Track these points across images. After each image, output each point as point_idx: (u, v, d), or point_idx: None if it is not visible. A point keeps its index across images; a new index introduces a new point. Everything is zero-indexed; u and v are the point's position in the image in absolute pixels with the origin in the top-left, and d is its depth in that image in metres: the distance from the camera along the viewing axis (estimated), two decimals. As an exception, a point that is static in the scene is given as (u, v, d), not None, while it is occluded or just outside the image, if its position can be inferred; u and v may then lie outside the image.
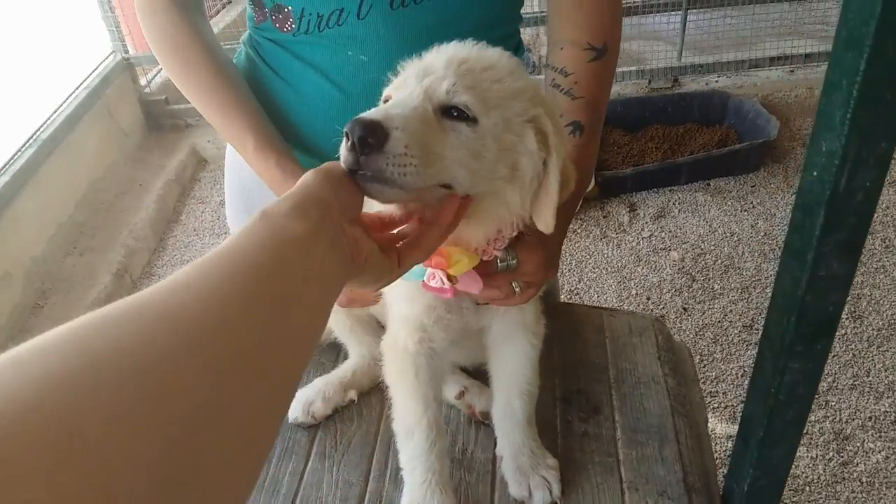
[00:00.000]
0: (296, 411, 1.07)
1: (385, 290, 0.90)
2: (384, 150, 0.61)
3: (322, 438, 1.06)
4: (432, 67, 0.71)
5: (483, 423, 1.07)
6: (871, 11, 0.64)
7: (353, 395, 1.09)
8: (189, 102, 1.05)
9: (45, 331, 0.35)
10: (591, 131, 0.98)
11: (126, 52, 3.66)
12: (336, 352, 1.20)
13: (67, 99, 3.23)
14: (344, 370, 1.12)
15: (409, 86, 0.70)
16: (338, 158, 0.81)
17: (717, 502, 1.01)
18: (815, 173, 0.75)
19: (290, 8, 1.00)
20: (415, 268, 0.76)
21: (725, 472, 1.07)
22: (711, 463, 1.08)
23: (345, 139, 0.63)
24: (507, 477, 0.98)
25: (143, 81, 3.75)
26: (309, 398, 1.07)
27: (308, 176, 0.60)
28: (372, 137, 0.61)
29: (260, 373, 0.42)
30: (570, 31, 1.00)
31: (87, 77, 3.43)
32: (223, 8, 4.45)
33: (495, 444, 1.02)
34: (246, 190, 1.23)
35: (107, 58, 3.61)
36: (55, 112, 3.13)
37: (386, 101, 0.73)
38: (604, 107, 1.01)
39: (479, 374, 1.09)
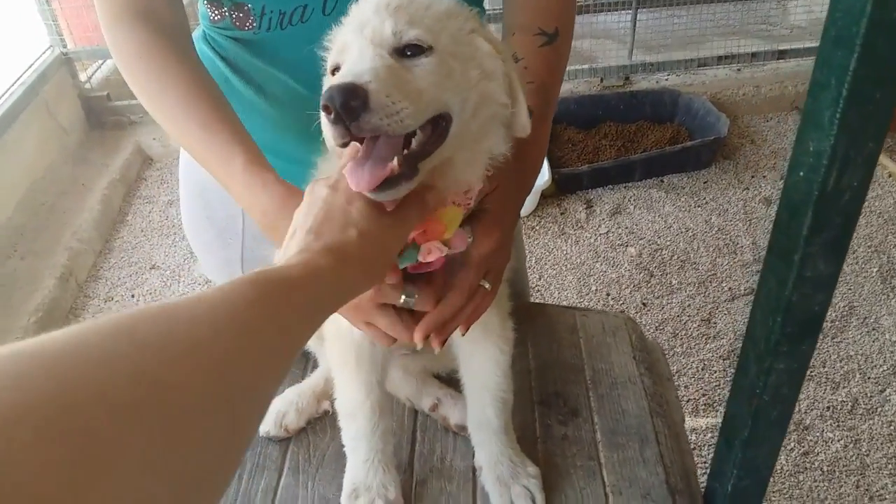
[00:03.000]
0: (267, 424, 1.02)
1: None
2: (370, 107, 0.61)
3: (295, 452, 1.02)
4: (365, 18, 0.70)
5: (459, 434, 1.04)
6: (861, 10, 0.63)
7: (326, 405, 1.05)
8: (134, 98, 0.92)
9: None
10: (540, 116, 0.95)
11: (65, 46, 3.50)
12: (305, 361, 1.16)
13: (3, 96, 3.07)
14: (315, 379, 1.08)
15: (354, 44, 0.68)
16: (308, 164, 0.78)
17: (699, 503, 1.01)
18: (801, 173, 0.75)
19: (249, 6, 0.95)
20: (402, 261, 0.75)
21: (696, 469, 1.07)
22: (691, 462, 1.07)
23: (325, 114, 0.62)
24: (488, 488, 0.96)
25: (83, 77, 3.60)
26: (281, 410, 1.03)
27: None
28: (353, 100, 0.60)
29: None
30: (522, 16, 0.98)
31: (24, 73, 3.26)
32: None
33: (474, 453, 0.99)
34: (204, 194, 1.17)
35: (44, 52, 3.45)
36: (-10, 110, 2.98)
37: (335, 70, 0.71)
38: (555, 92, 0.98)
39: (453, 382, 1.07)
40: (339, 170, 0.70)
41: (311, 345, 1.09)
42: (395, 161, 0.65)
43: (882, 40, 0.64)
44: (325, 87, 0.78)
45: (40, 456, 0.29)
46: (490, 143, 0.76)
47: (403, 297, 0.76)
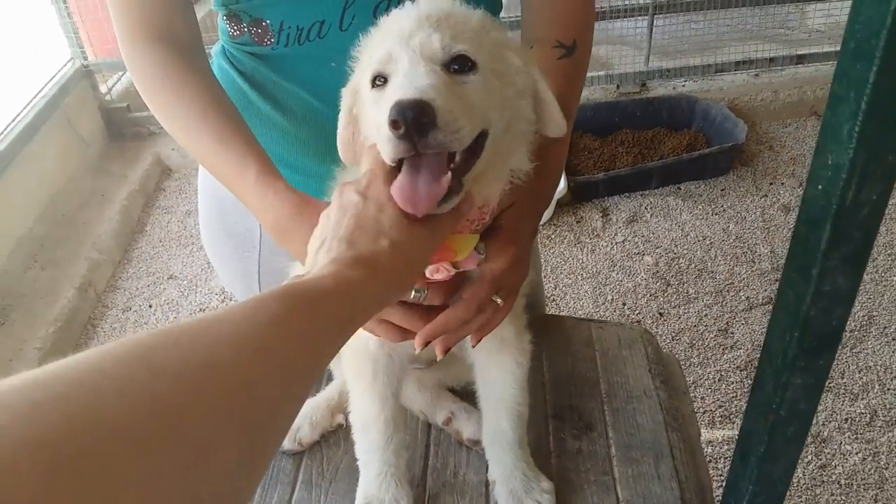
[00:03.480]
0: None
1: None
2: (437, 124, 0.61)
3: (308, 465, 1.02)
4: (408, 30, 0.69)
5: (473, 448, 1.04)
6: (881, 22, 0.62)
7: (340, 418, 1.05)
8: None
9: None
10: None
11: (85, 58, 3.55)
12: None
13: (25, 108, 3.11)
14: (330, 393, 1.08)
15: (402, 56, 0.68)
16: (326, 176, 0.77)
17: (715, 519, 1.00)
18: (819, 187, 0.74)
19: (268, 22, 0.96)
20: None
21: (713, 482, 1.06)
22: (707, 478, 1.06)
23: (393, 128, 0.61)
24: (501, 503, 0.95)
25: (103, 89, 3.64)
26: (295, 424, 1.03)
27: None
28: (425, 117, 0.61)
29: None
30: (541, 29, 0.98)
31: (45, 85, 3.31)
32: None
33: (488, 467, 0.99)
34: (222, 206, 1.18)
35: (65, 65, 3.50)
36: (12, 122, 3.02)
37: (377, 78, 0.71)
38: (573, 107, 0.99)
39: (468, 395, 1.06)
40: (367, 175, 0.70)
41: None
42: (448, 177, 0.65)
43: (901, 53, 0.63)
44: (351, 98, 0.79)
45: (51, 492, 0.28)
46: (515, 158, 0.77)
47: (413, 291, 0.76)
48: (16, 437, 0.29)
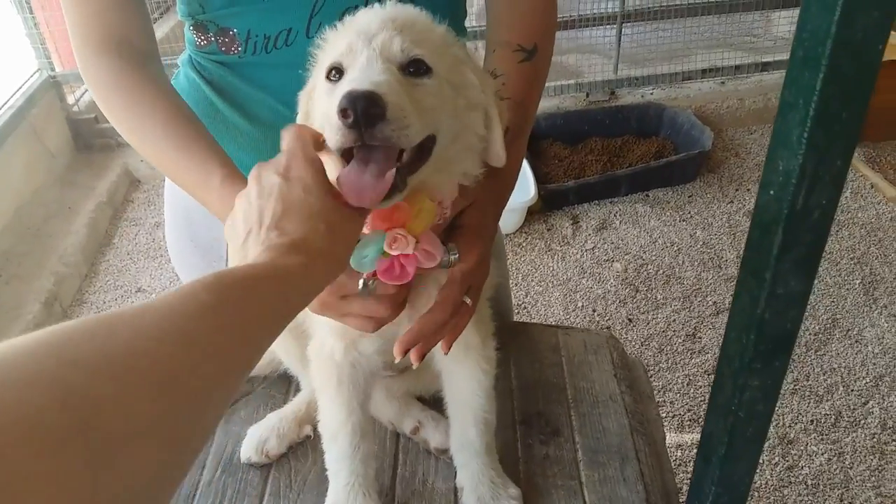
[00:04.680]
0: (249, 451, 1.02)
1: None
2: (386, 118, 0.62)
3: (276, 477, 1.01)
4: (372, 29, 0.71)
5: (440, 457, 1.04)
6: (826, 31, 0.64)
7: (308, 430, 1.05)
8: None
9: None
10: (516, 131, 0.96)
11: (52, 69, 3.51)
12: (287, 384, 1.16)
13: (-11, 119, 3.07)
14: (297, 404, 1.07)
15: (360, 51, 0.69)
16: None
17: (680, 521, 1.01)
18: (771, 192, 0.76)
19: (235, 31, 0.96)
20: (366, 247, 0.72)
21: (679, 483, 1.07)
22: (672, 481, 1.07)
23: (342, 117, 0.62)
24: (469, 509, 0.96)
25: (70, 100, 3.60)
26: (262, 436, 1.02)
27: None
28: (374, 108, 0.62)
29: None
30: (503, 33, 1.00)
31: (12, 96, 3.26)
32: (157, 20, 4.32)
33: (456, 475, 0.99)
34: (189, 217, 1.18)
35: (32, 76, 3.45)
36: (-25, 133, 2.97)
37: (334, 69, 0.72)
38: (532, 109, 1.00)
39: (437, 403, 1.06)
40: (286, 154, 0.68)
41: (294, 368, 1.08)
42: (392, 172, 0.65)
43: (847, 60, 0.65)
44: (306, 101, 0.79)
45: None
46: (464, 166, 0.78)
47: (361, 282, 0.76)
48: None
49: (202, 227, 1.17)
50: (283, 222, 0.62)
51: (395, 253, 0.73)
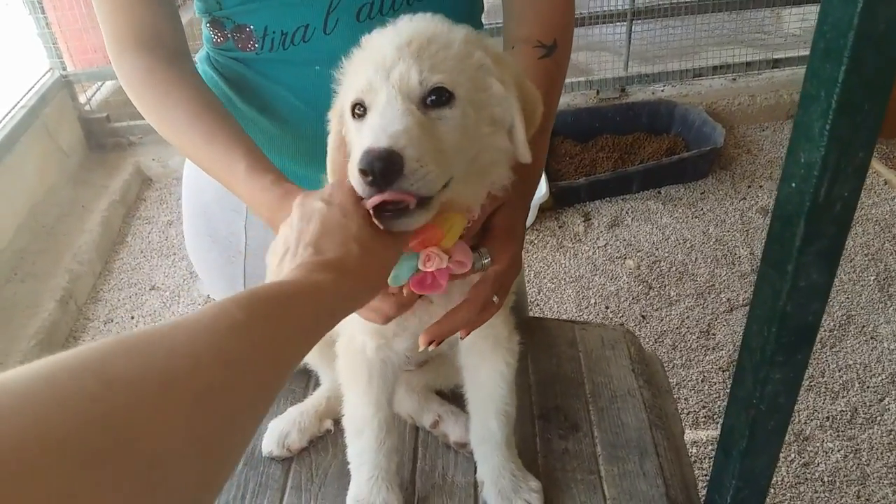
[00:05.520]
0: (270, 444, 1.03)
1: None
2: (404, 173, 0.63)
3: (297, 471, 1.02)
4: (389, 60, 0.70)
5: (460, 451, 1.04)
6: (848, 23, 0.64)
7: (328, 424, 1.05)
8: (133, 119, 0.98)
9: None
10: (539, 128, 0.97)
11: (64, 69, 3.53)
12: (307, 378, 1.16)
13: (4, 119, 3.09)
14: (317, 398, 1.08)
15: (381, 90, 0.69)
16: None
17: (700, 515, 1.01)
18: (793, 184, 0.76)
19: (251, 27, 0.97)
20: (401, 267, 0.74)
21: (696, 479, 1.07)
22: (691, 475, 1.07)
23: (362, 176, 0.64)
24: (490, 503, 0.96)
25: (82, 99, 3.62)
26: (284, 430, 1.03)
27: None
28: (392, 168, 0.63)
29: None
30: (521, 29, 1.00)
31: (24, 96, 3.29)
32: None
33: (476, 469, 1.00)
34: (207, 212, 1.19)
35: (44, 75, 3.48)
36: (-10, 133, 2.99)
37: (357, 107, 0.72)
38: (553, 105, 1.00)
39: (456, 398, 1.07)
40: (331, 185, 0.71)
41: (313, 363, 1.09)
42: (414, 202, 0.67)
43: (869, 52, 0.65)
44: (337, 121, 0.79)
45: None
46: (493, 177, 0.79)
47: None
48: None
49: (221, 223, 1.18)
50: (320, 242, 0.64)
51: (430, 269, 0.75)
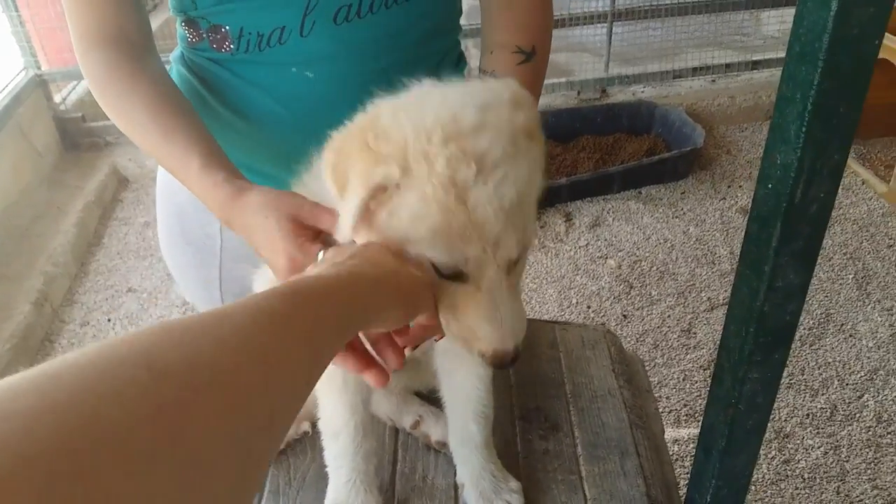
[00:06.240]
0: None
1: None
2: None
3: (275, 475, 1.01)
4: (489, 225, 0.63)
5: (440, 451, 1.04)
6: (823, 26, 0.65)
7: (306, 426, 1.04)
8: (109, 119, 0.97)
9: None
10: None
11: (38, 68, 3.48)
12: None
13: (-24, 119, 3.04)
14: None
15: (488, 266, 0.65)
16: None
17: (680, 514, 1.01)
18: (769, 186, 0.76)
19: (227, 28, 0.95)
20: None
21: (677, 478, 1.08)
22: (672, 474, 1.08)
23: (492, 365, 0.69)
24: (470, 504, 0.96)
25: (57, 99, 3.57)
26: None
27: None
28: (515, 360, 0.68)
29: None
30: (500, 34, 1.00)
31: (-2, 95, 3.24)
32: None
33: (456, 471, 0.99)
34: (181, 213, 1.17)
35: (18, 74, 3.43)
36: (-37, 133, 2.94)
37: (453, 274, 0.67)
38: None
39: (435, 400, 1.06)
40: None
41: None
42: None
43: (844, 55, 0.65)
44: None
45: None
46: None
47: (320, 254, 0.75)
48: (11, 452, 0.27)
49: (195, 225, 1.17)
50: (360, 255, 0.63)
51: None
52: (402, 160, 0.62)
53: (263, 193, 0.81)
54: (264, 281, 0.94)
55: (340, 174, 0.67)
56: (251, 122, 1.02)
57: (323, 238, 0.78)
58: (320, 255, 0.75)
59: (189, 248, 1.19)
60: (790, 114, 0.71)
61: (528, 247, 0.70)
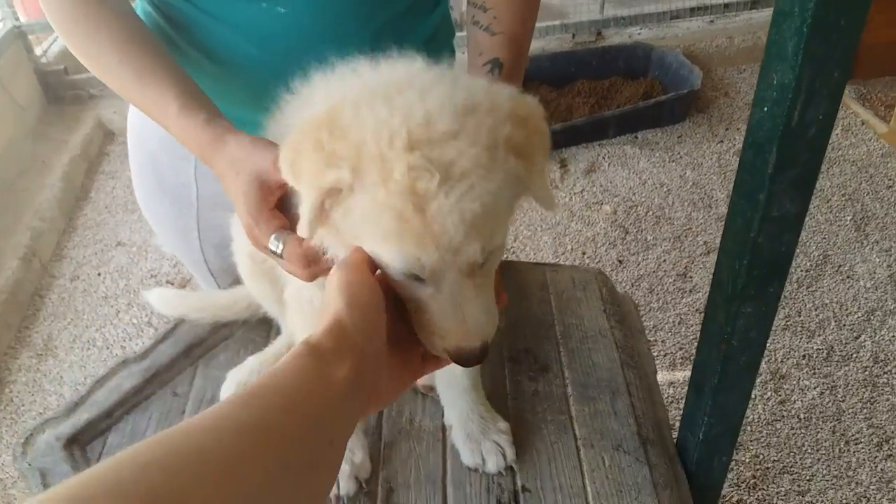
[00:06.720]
0: (227, 393, 0.99)
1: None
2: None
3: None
4: (455, 240, 0.58)
5: (428, 395, 1.02)
6: (824, -71, 0.60)
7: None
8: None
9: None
10: (510, 68, 0.93)
11: (17, 19, 3.37)
12: (268, 328, 1.13)
13: (-46, 72, 2.96)
14: (277, 347, 1.05)
15: (448, 273, 0.60)
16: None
17: (672, 452, 1.00)
18: (765, 108, 0.72)
19: None
20: None
21: (672, 420, 1.06)
22: (664, 413, 1.06)
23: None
24: (458, 445, 0.94)
25: (38, 51, 3.48)
26: (242, 380, 1.00)
27: (340, 310, 0.58)
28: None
29: None
30: None
31: (-25, 48, 3.15)
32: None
33: (444, 413, 0.97)
34: (155, 163, 1.13)
35: (-4, 26, 3.33)
36: (-59, 87, 2.87)
37: (414, 277, 0.62)
38: (525, 44, 0.96)
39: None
40: None
41: (272, 312, 1.05)
42: None
43: (846, -37, 0.61)
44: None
45: None
46: None
47: (273, 237, 0.73)
48: None
49: (169, 172, 1.13)
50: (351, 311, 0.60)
51: None
52: (356, 162, 0.58)
53: (239, 146, 0.77)
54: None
55: (297, 172, 0.63)
56: (221, 64, 0.97)
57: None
58: (272, 239, 0.73)
59: (165, 198, 1.16)
60: (788, 29, 0.66)
61: (500, 247, 0.64)
